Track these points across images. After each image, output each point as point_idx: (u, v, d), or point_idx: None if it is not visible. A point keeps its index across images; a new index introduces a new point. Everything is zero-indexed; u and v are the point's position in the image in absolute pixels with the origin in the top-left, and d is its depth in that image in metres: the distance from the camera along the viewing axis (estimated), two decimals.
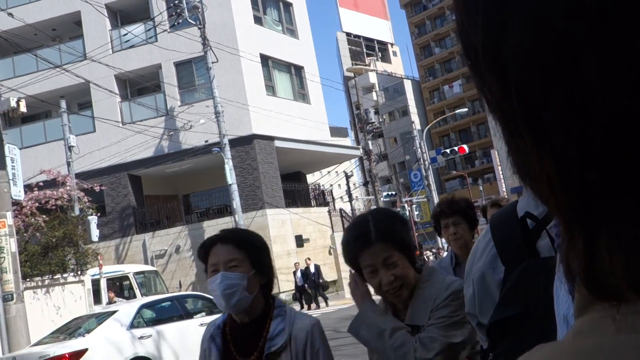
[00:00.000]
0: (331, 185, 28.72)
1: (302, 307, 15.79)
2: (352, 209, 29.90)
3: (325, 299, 19.05)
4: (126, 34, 20.96)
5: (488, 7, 0.26)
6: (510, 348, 1.09)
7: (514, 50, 0.25)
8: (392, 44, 65.28)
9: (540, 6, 0.24)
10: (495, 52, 0.26)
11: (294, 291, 19.18)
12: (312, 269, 18.64)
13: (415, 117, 51.90)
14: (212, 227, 20.49)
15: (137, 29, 21.05)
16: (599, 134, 0.23)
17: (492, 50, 0.26)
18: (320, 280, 18.73)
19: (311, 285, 18.72)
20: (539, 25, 0.24)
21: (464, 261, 2.75)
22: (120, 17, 22.72)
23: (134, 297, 14.10)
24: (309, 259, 18.99)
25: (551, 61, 0.24)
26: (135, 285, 15.27)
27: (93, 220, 14.49)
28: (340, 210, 25.29)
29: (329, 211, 23.37)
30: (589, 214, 0.24)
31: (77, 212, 14.54)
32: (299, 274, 18.93)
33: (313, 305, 18.79)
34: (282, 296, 19.47)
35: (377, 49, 63.33)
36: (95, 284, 13.76)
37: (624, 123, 0.23)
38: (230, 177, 17.92)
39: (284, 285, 19.67)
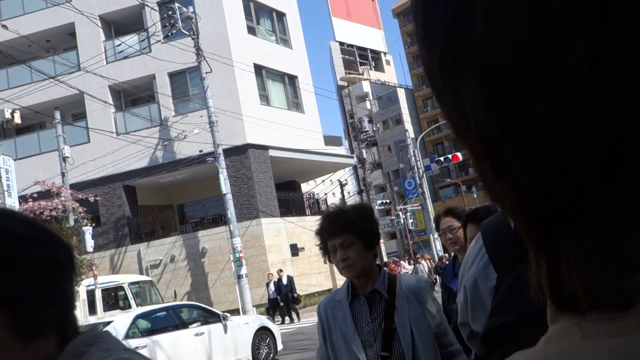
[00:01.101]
0: (325, 194, 28.78)
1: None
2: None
3: (297, 313, 17.75)
4: (120, 45, 21.04)
5: (444, 48, 0.27)
6: (505, 356, 1.13)
7: (468, 87, 0.26)
8: (385, 53, 65.67)
9: (488, 49, 0.25)
10: (454, 87, 0.27)
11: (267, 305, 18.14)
12: (285, 281, 17.53)
13: (408, 125, 52.13)
14: (206, 237, 20.52)
15: (130, 40, 21.14)
16: (552, 166, 0.24)
17: (450, 86, 0.28)
18: (295, 294, 17.63)
19: (283, 299, 17.62)
20: (489, 65, 0.25)
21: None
22: (114, 28, 22.81)
23: (129, 307, 14.07)
24: (281, 270, 17.89)
25: (501, 96, 0.25)
26: (130, 296, 15.23)
27: (88, 230, 14.49)
28: None
29: None
30: (548, 238, 0.26)
31: (71, 222, 14.54)
32: (271, 286, 17.75)
33: (287, 319, 17.74)
34: None
35: (371, 58, 63.68)
36: (90, 294, 13.73)
37: (574, 156, 0.23)
38: (225, 186, 17.97)
39: None
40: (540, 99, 0.24)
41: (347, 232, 2.08)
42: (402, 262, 24.71)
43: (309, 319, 17.60)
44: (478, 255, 1.44)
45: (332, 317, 2.16)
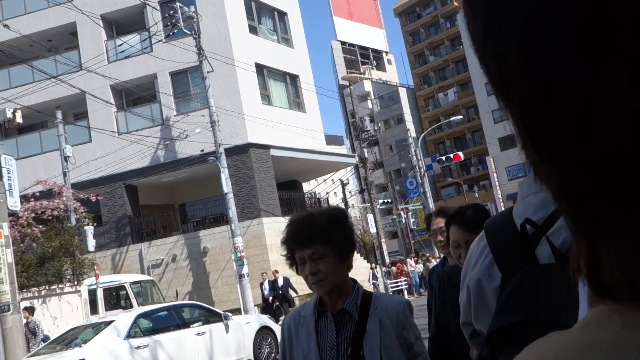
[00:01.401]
0: (327, 193, 28.78)
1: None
2: (349, 217, 29.93)
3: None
4: (121, 45, 21.05)
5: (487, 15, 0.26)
6: (511, 357, 1.09)
7: (512, 59, 0.25)
8: (386, 52, 65.61)
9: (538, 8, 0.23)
10: (496, 54, 0.26)
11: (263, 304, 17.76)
12: (280, 282, 16.98)
13: (410, 124, 52.08)
14: (208, 236, 20.51)
15: (132, 39, 21.14)
16: (606, 157, 0.23)
17: (492, 49, 0.26)
18: (289, 296, 17.08)
19: (278, 299, 17.16)
20: (538, 30, 0.23)
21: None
22: (115, 28, 22.82)
23: (131, 306, 14.08)
24: (277, 271, 17.27)
25: (551, 74, 0.24)
26: (132, 295, 15.25)
27: (89, 230, 14.50)
28: None
29: None
30: (590, 226, 0.25)
31: (73, 222, 14.56)
32: (266, 284, 17.39)
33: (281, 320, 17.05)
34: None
35: (372, 57, 63.63)
36: (92, 294, 13.74)
37: (631, 149, 0.22)
38: (226, 186, 17.96)
39: None
40: (602, 84, 0.22)
41: (318, 243, 1.81)
42: (408, 259, 24.62)
43: None
44: (482, 254, 1.41)
45: (296, 334, 1.93)
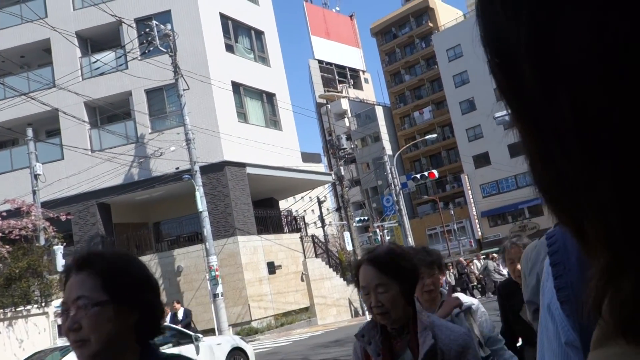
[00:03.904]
0: (304, 210, 28.74)
1: None
2: (325, 235, 29.91)
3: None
4: (96, 62, 20.89)
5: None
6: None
7: (574, 50, 0.22)
8: (363, 71, 66.33)
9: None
10: (545, 51, 0.23)
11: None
12: (181, 315, 14.40)
13: (386, 142, 52.56)
14: (182, 255, 20.28)
15: (107, 57, 21.01)
16: None
17: (541, 48, 0.23)
18: (193, 328, 14.16)
19: None
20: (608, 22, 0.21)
21: None
22: (90, 45, 22.66)
23: None
24: (178, 301, 15.07)
25: (625, 69, 0.21)
26: None
27: (59, 249, 14.20)
28: (313, 236, 25.28)
29: (301, 237, 23.35)
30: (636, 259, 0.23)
31: (42, 242, 14.24)
32: (168, 319, 14.06)
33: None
34: (254, 324, 19.28)
35: (349, 76, 64.24)
36: None
37: None
38: (201, 204, 17.83)
39: (255, 313, 19.49)
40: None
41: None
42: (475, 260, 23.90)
43: (285, 337, 17.45)
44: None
45: None
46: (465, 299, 2.77)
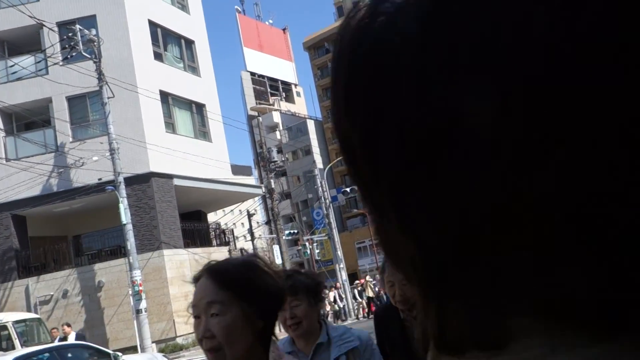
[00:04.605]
0: (234, 224, 28.37)
1: None
2: (254, 248, 29.65)
3: None
4: (13, 65, 19.80)
5: (366, 116, 0.28)
6: None
7: (385, 150, 0.28)
8: (295, 85, 66.74)
9: (406, 117, 0.26)
10: (372, 149, 0.29)
11: None
12: (71, 340, 12.78)
13: (317, 156, 53.01)
14: (104, 270, 19.44)
15: (25, 61, 19.96)
16: (460, 219, 0.26)
17: (369, 147, 0.29)
18: None
19: None
20: (404, 135, 0.26)
21: None
22: (7, 48, 21.45)
23: (13, 348, 12.90)
24: (68, 325, 14.06)
25: (414, 165, 0.26)
26: (14, 336, 13.98)
27: None
28: (242, 249, 25.01)
29: (229, 251, 23.02)
30: (443, 289, 0.28)
31: None
32: (56, 343, 12.52)
33: None
34: (179, 340, 18.73)
35: (281, 89, 64.43)
36: None
37: (482, 213, 0.25)
38: (125, 216, 17.21)
39: (181, 328, 18.93)
40: (464, 153, 0.25)
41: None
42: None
43: None
44: None
45: None
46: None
